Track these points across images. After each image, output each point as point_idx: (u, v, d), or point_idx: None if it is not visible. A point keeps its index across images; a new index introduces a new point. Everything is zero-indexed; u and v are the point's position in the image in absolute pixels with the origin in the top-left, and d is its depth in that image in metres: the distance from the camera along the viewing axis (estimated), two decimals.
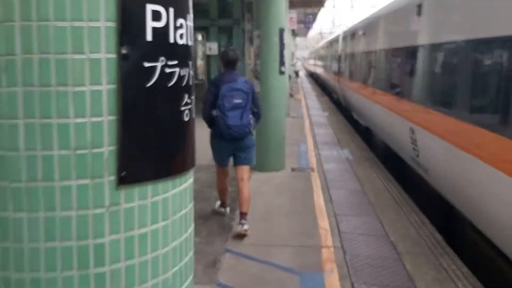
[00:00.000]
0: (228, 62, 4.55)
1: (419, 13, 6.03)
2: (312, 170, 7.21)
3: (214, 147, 4.67)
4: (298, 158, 8.08)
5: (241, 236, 4.49)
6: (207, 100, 4.43)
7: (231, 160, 4.78)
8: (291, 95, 17.78)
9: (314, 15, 20.82)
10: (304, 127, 11.74)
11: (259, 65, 6.90)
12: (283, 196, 5.83)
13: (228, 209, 5.21)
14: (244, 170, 4.67)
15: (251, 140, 4.63)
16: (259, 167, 7.06)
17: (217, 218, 5.04)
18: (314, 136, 10.47)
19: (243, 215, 4.56)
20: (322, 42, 31.74)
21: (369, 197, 5.85)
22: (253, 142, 4.70)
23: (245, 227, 4.50)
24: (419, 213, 5.28)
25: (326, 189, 6.22)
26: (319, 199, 5.61)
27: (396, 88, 7.44)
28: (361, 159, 8.15)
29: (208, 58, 13.76)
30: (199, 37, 17.15)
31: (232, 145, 4.53)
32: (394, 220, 5.03)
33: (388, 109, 7.67)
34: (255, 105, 4.56)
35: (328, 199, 5.69)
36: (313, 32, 58.09)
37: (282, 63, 6.87)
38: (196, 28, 14.09)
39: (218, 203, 5.23)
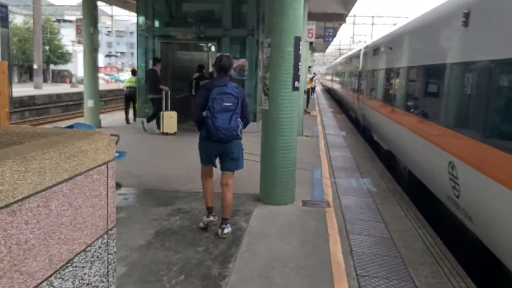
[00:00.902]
0: (221, 67, 4.81)
1: (466, 23, 4.93)
2: (328, 204, 6.09)
3: (201, 148, 4.84)
4: (311, 187, 6.98)
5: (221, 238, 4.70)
6: (198, 102, 4.67)
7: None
8: (305, 112, 16.69)
9: (335, 30, 19.81)
10: (319, 148, 10.63)
11: (269, 78, 5.85)
12: (291, 241, 4.73)
13: (215, 218, 5.01)
14: (229, 175, 4.87)
15: (238, 146, 4.77)
16: (263, 198, 5.99)
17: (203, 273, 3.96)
18: (329, 159, 9.35)
19: (224, 220, 4.81)
20: (341, 58, 30.68)
21: (399, 248, 4.71)
22: (241, 148, 4.83)
23: (225, 231, 4.76)
24: (465, 277, 4.12)
25: (344, 232, 5.10)
26: (336, 250, 4.48)
27: (431, 112, 6.31)
28: (385, 192, 7.01)
29: None
30: (212, 48, 16.27)
31: (219, 147, 4.69)
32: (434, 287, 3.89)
33: (420, 135, 6.54)
34: (244, 110, 4.73)
35: (348, 251, 4.56)
36: (331, 48, 57.23)
37: (296, 77, 5.81)
38: (208, 38, 13.16)
39: (205, 218, 5.04)
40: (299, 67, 5.89)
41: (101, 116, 19.06)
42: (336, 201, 6.32)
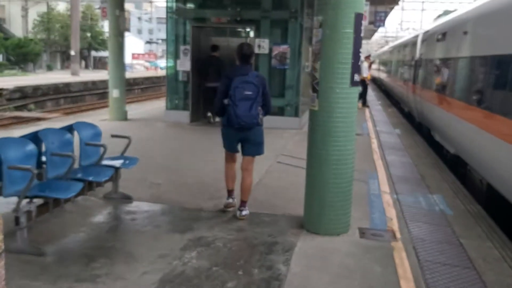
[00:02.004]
0: (243, 56, 4.85)
1: None
2: (393, 235, 4.62)
3: (224, 135, 5.00)
4: (369, 205, 5.51)
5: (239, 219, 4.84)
6: (220, 90, 4.80)
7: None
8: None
9: (386, 14, 17.95)
10: (372, 150, 9.09)
11: (319, 70, 4.39)
12: None
13: (235, 200, 5.18)
14: (249, 161, 5.02)
15: (259, 132, 4.96)
16: (309, 225, 4.60)
17: None
18: (386, 166, 7.80)
19: (243, 202, 4.97)
20: (392, 44, 28.51)
21: None
22: (262, 135, 5.02)
23: (243, 213, 4.92)
24: None
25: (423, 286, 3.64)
26: None
27: None
28: (465, 216, 5.44)
29: (257, 58, 11.41)
30: (250, 33, 14.84)
31: (240, 134, 4.85)
32: None
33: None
34: (265, 99, 4.85)
35: None
36: (376, 36, 54.53)
37: (356, 68, 4.33)
38: (245, 22, 11.76)
39: (224, 200, 5.23)
40: (360, 54, 4.40)
41: (135, 106, 18.21)
42: (404, 230, 4.83)
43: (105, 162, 5.25)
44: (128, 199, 5.48)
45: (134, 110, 14.82)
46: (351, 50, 4.27)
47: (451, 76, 8.61)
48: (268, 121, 11.66)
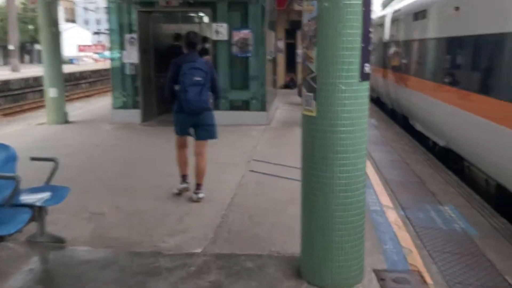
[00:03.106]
0: (190, 43, 5.07)
1: None
2: (422, 280, 3.45)
3: (176, 121, 5.16)
4: (375, 230, 4.33)
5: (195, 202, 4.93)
6: (170, 77, 5.00)
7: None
8: None
9: None
10: None
11: (315, 60, 3.09)
12: None
13: (189, 184, 5.31)
14: (202, 145, 5.17)
15: (210, 116, 5.10)
16: (309, 275, 3.38)
17: None
18: (376, 167, 6.66)
19: (198, 185, 5.11)
20: None
21: None
22: (213, 119, 5.14)
23: (200, 195, 5.07)
24: None
25: None
26: None
27: None
28: (494, 236, 4.34)
29: (214, 45, 10.01)
30: (205, 18, 13.36)
31: (191, 119, 5.01)
32: None
33: None
34: (213, 85, 5.03)
35: None
36: None
37: (366, 55, 3.07)
38: (199, 5, 10.32)
39: (179, 185, 5.34)
40: (371, 36, 3.14)
41: (80, 104, 16.38)
42: (431, 267, 3.65)
43: (22, 197, 3.81)
44: (59, 242, 4.06)
45: (79, 109, 13.15)
46: (360, 30, 3.00)
47: (444, 59, 7.52)
48: (233, 117, 10.49)
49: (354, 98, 3.07)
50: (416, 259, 3.77)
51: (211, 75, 4.94)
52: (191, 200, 5.02)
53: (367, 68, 3.09)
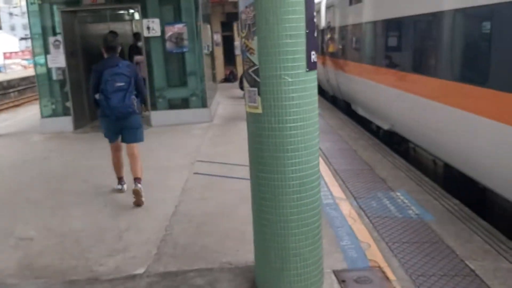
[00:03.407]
0: (108, 48, 4.95)
1: None
2: (384, 276, 3.25)
3: (103, 125, 5.11)
4: (330, 225, 4.11)
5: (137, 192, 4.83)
6: (92, 85, 4.94)
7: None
8: None
9: None
10: None
11: (256, 50, 2.78)
12: None
13: (125, 186, 5.33)
14: (133, 146, 5.11)
15: (137, 120, 5.04)
16: (264, 284, 3.06)
17: None
18: (325, 156, 6.49)
19: (137, 179, 4.97)
20: None
21: None
22: (140, 123, 5.11)
23: (139, 186, 4.91)
24: None
25: None
26: None
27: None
28: (450, 219, 4.24)
29: (147, 42, 9.48)
30: (135, 15, 12.73)
31: (118, 124, 4.95)
32: None
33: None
34: (138, 88, 4.95)
35: None
36: None
37: (312, 43, 2.79)
38: (127, 0, 9.76)
39: (116, 186, 5.36)
40: (315, 21, 2.87)
41: (7, 115, 15.26)
42: (392, 261, 3.47)
43: None
44: None
45: (5, 121, 12.19)
46: (303, 14, 2.72)
47: (384, 42, 7.45)
48: (172, 116, 10.02)
49: (302, 90, 2.79)
50: (375, 254, 3.58)
51: (134, 78, 4.85)
52: (134, 191, 4.86)
53: (314, 56, 2.81)
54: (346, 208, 4.55)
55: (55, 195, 5.48)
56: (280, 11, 2.67)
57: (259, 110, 2.83)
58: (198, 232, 4.14)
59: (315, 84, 2.90)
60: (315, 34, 2.85)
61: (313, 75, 2.85)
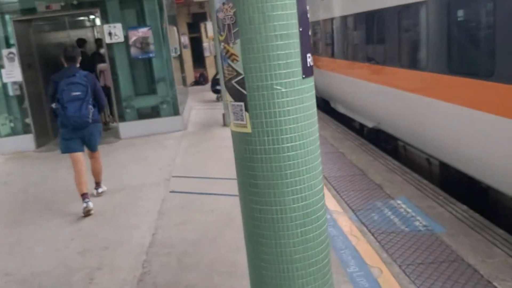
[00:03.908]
0: (68, 58, 4.98)
1: None
2: None
3: (63, 136, 5.03)
4: (335, 252, 3.62)
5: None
6: (49, 95, 5.01)
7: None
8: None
9: None
10: None
11: (240, 56, 2.25)
12: None
13: (90, 203, 4.94)
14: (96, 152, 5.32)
15: (95, 128, 5.08)
16: None
17: None
18: None
19: (97, 184, 5.41)
20: None
21: None
22: (97, 130, 5.14)
23: (100, 190, 5.42)
24: None
25: None
26: None
27: None
28: (462, 229, 3.82)
29: (110, 48, 8.83)
30: (96, 20, 12.00)
31: (78, 133, 4.96)
32: None
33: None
34: (96, 97, 5.00)
35: None
36: None
37: (307, 43, 2.28)
38: (85, 4, 9.09)
39: (84, 204, 4.96)
40: (308, 16, 2.36)
41: None
42: (404, 283, 3.01)
43: None
44: None
45: None
46: (295, 9, 2.21)
47: (370, 36, 7.02)
48: (142, 127, 9.34)
49: (298, 101, 2.27)
50: (390, 281, 3.11)
51: (92, 87, 4.88)
52: (94, 195, 5.17)
53: (310, 59, 2.31)
54: (346, 224, 4.07)
55: (14, 229, 4.83)
56: (267, 6, 2.15)
57: (248, 129, 2.31)
58: (180, 267, 3.59)
59: (313, 93, 2.39)
60: (309, 33, 2.34)
61: (310, 83, 2.34)
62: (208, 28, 15.85)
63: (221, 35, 2.29)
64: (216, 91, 12.38)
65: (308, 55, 2.29)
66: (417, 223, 3.99)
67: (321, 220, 2.45)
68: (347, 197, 4.74)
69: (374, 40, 6.73)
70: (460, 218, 4.03)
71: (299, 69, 2.24)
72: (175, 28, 11.51)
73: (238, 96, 2.29)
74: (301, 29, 2.23)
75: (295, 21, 2.20)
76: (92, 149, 5.22)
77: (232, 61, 2.26)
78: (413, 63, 5.47)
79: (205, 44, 16.93)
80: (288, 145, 2.28)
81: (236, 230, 4.11)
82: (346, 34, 8.00)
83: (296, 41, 2.21)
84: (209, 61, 17.23)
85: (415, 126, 5.49)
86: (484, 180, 4.34)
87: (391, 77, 6.01)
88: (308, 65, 2.29)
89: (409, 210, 4.27)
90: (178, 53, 11.68)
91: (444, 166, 5.23)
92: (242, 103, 2.28)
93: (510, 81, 3.63)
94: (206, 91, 14.20)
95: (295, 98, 2.26)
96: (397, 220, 4.09)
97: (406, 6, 5.47)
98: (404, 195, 4.65)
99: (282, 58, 2.20)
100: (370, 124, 7.42)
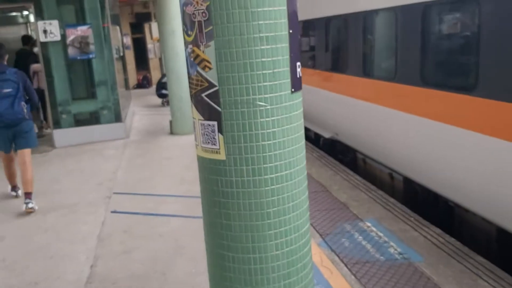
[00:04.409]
0: None
1: None
2: None
3: None
4: None
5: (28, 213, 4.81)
6: None
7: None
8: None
9: None
10: None
11: (214, 63, 1.75)
12: None
13: (19, 191, 5.36)
14: (25, 153, 5.01)
15: (28, 125, 4.99)
16: None
17: None
18: None
19: (28, 194, 4.94)
20: None
21: None
22: (31, 127, 5.06)
23: (30, 205, 4.87)
24: None
25: None
26: None
27: None
28: (441, 259, 3.49)
29: (45, 48, 7.98)
30: (30, 17, 10.98)
31: (9, 131, 4.87)
32: None
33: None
34: (28, 94, 4.97)
35: None
36: None
37: (296, 50, 1.82)
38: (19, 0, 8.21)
39: (10, 188, 5.46)
40: (298, 17, 1.90)
41: None
42: None
43: None
44: None
45: None
46: (285, 6, 1.74)
47: (326, 42, 6.69)
48: (80, 135, 8.42)
49: (286, 121, 1.80)
50: None
51: (23, 84, 4.85)
52: (24, 210, 4.84)
53: (299, 69, 1.85)
54: (315, 252, 3.63)
55: None
56: (251, 0, 1.67)
57: (222, 156, 1.80)
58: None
59: (301, 111, 1.93)
60: (299, 36, 1.89)
61: (298, 98, 1.88)
62: (153, 29, 15.12)
63: (189, 35, 1.78)
64: (162, 95, 11.72)
65: (298, 64, 1.83)
66: (391, 250, 3.63)
67: (308, 268, 1.99)
68: (312, 218, 4.32)
69: (333, 48, 6.41)
70: (436, 243, 3.71)
71: (287, 80, 1.79)
72: (118, 28, 10.76)
73: (209, 113, 1.79)
74: (291, 31, 1.76)
75: (284, 20, 1.73)
76: (30, 144, 5.04)
77: (203, 68, 1.75)
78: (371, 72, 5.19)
79: (150, 46, 16.18)
80: (272, 176, 1.81)
81: (189, 261, 3.59)
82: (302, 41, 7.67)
83: (285, 45, 1.75)
84: (153, 63, 16.48)
85: (379, 139, 5.20)
86: (452, 197, 4.09)
87: (356, 87, 5.70)
88: (298, 76, 1.83)
89: (381, 234, 3.91)
90: (121, 54, 10.93)
91: (408, 181, 4.97)
92: (215, 123, 1.78)
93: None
94: (150, 95, 13.46)
95: (282, 117, 1.80)
96: (369, 246, 3.71)
97: (371, 12, 5.18)
98: (373, 216, 4.29)
99: (267, 66, 1.73)
100: (326, 135, 7.11)
